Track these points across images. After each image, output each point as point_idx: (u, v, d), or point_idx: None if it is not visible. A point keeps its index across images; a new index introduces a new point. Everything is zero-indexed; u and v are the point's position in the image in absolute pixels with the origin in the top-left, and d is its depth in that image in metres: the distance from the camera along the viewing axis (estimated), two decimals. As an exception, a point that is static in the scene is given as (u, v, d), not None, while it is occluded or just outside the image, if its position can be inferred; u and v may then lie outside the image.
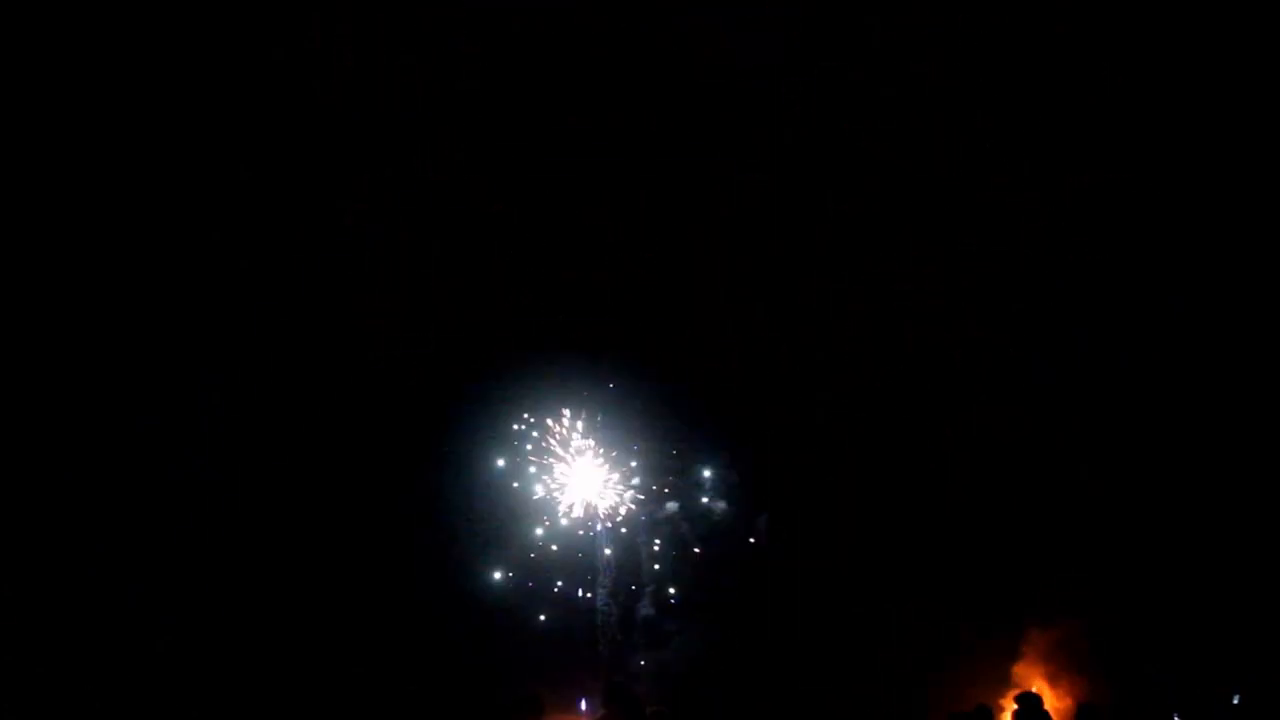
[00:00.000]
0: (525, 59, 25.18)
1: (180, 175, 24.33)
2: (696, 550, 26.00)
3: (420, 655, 24.21)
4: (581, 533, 26.02)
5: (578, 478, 26.10)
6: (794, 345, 25.61)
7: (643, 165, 25.38)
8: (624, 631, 25.79)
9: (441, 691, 23.79)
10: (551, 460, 26.03)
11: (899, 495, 25.09)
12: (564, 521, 25.91)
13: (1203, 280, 23.78)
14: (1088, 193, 24.19)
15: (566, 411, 26.16)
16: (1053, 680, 23.42)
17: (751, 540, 26.01)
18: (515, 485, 26.00)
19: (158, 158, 24.21)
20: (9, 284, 23.35)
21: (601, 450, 26.10)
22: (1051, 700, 22.99)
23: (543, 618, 25.63)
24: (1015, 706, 22.12)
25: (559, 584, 25.75)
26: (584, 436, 26.18)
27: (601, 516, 25.94)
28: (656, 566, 26.01)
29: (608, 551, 25.92)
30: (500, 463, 26.01)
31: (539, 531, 25.81)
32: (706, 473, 26.21)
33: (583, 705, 24.68)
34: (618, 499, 26.02)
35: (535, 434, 26.16)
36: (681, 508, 26.04)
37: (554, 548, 25.82)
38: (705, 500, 26.07)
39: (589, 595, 25.87)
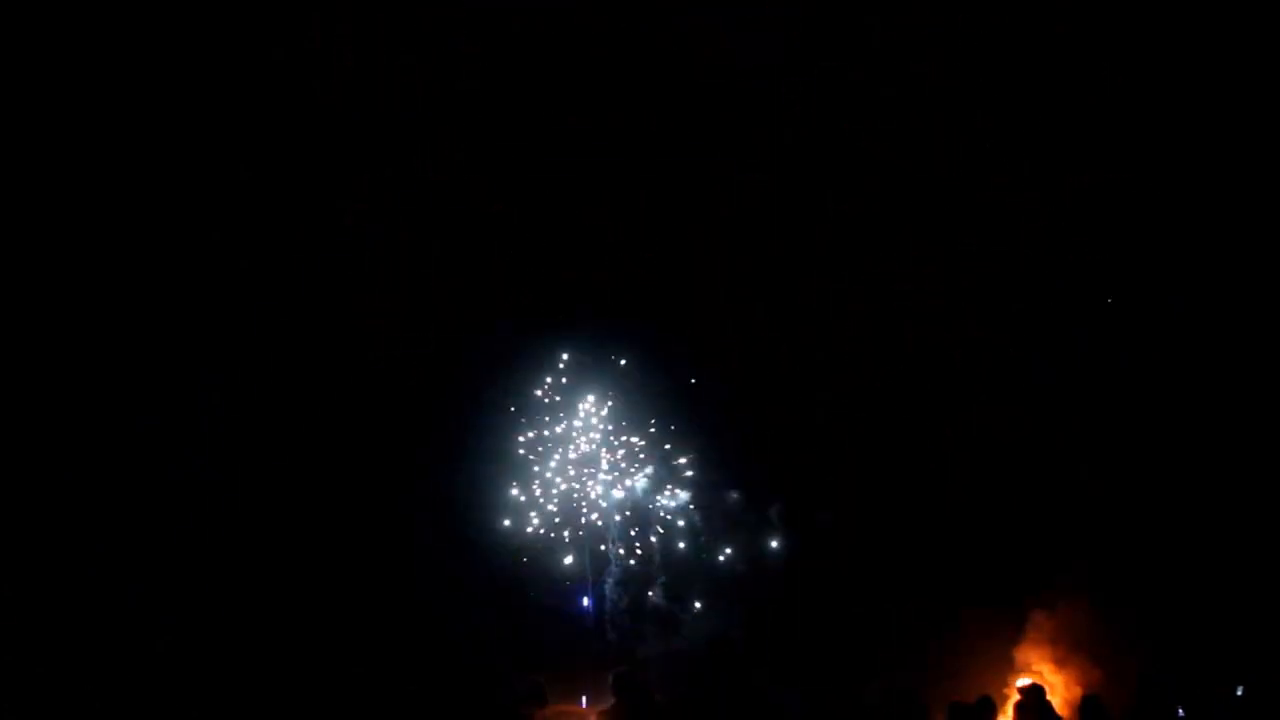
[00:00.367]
0: (525, 59, 25.19)
1: (180, 175, 24.32)
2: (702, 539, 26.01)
3: (421, 653, 24.19)
4: (585, 520, 26.01)
5: (583, 469, 26.07)
6: (794, 345, 25.58)
7: (643, 165, 25.38)
8: (633, 619, 25.78)
9: (443, 685, 23.79)
10: (555, 455, 26.01)
11: (899, 495, 25.08)
12: (560, 511, 25.85)
13: (1203, 280, 23.78)
14: (1088, 193, 24.20)
15: (572, 404, 26.14)
16: (1054, 668, 23.45)
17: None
18: (516, 484, 25.95)
19: (158, 158, 24.20)
20: (9, 284, 23.36)
21: (607, 443, 26.07)
22: (1055, 690, 23.09)
23: (548, 606, 25.65)
24: (1018, 697, 22.22)
25: (565, 566, 25.75)
26: (588, 430, 26.15)
27: (605, 505, 25.92)
28: (660, 556, 26.02)
29: (608, 546, 25.92)
30: (501, 462, 25.95)
31: (537, 523, 25.80)
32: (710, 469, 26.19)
33: (584, 702, 24.69)
34: (624, 489, 26.01)
35: (536, 430, 26.11)
36: (691, 498, 26.07)
37: (553, 535, 25.78)
38: (711, 490, 26.04)
39: (596, 583, 25.88)
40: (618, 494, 26.06)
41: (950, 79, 24.36)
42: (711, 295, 25.74)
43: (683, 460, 26.17)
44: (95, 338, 23.76)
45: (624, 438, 26.21)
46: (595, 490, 26.17)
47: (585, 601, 25.82)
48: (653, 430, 26.19)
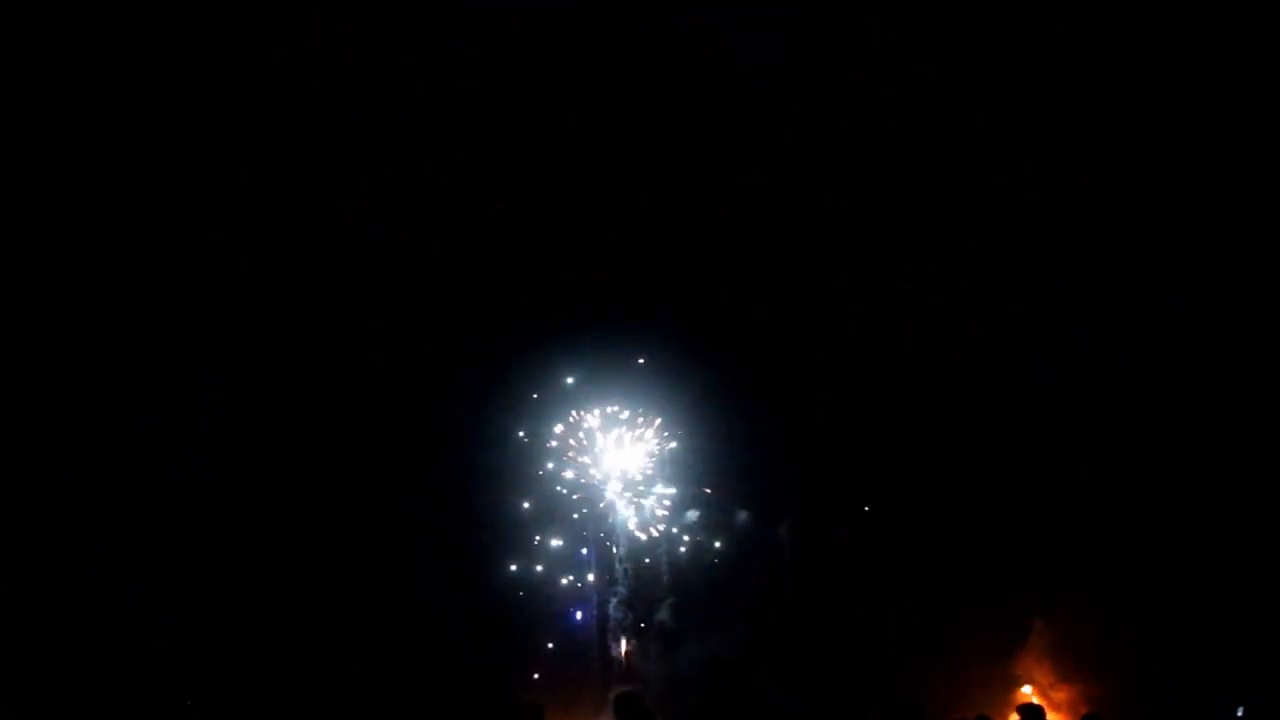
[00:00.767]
0: (525, 59, 25.17)
1: (180, 175, 24.33)
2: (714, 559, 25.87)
3: (421, 655, 24.18)
4: (585, 534, 25.92)
5: (590, 480, 25.96)
6: (794, 345, 25.56)
7: (643, 165, 25.35)
8: (639, 637, 25.63)
9: (442, 692, 23.79)
10: (560, 460, 25.92)
11: (899, 495, 25.07)
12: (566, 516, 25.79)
13: (1203, 280, 23.78)
14: (1088, 193, 24.20)
15: (574, 412, 26.04)
16: (1054, 679, 23.45)
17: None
18: (518, 487, 25.86)
19: (158, 158, 24.21)
20: (9, 284, 23.36)
21: (610, 450, 25.98)
22: (1056, 708, 23.10)
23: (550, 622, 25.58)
24: (1017, 717, 22.19)
25: (568, 583, 25.65)
26: (591, 436, 26.08)
27: (611, 519, 25.81)
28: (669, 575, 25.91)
29: (616, 564, 25.79)
30: (503, 463, 25.86)
31: (540, 538, 25.68)
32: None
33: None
34: (630, 504, 25.90)
35: (539, 434, 26.03)
36: (699, 515, 25.91)
37: (556, 543, 25.70)
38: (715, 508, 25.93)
39: (601, 601, 25.73)
40: (628, 513, 25.87)
41: (950, 79, 24.36)
42: (711, 295, 25.70)
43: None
44: (95, 338, 23.77)
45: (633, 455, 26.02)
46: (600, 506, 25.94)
47: (579, 615, 25.65)
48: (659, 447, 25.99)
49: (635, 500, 25.90)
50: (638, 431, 26.17)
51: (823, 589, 24.99)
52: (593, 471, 26.02)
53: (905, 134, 24.75)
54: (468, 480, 25.38)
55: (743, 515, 25.77)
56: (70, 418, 23.38)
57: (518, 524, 25.70)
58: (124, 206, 23.99)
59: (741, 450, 25.91)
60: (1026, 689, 23.50)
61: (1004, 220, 24.52)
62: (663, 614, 25.67)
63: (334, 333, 25.12)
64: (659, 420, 26.11)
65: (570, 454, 25.91)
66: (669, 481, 26.03)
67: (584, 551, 25.84)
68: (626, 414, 26.18)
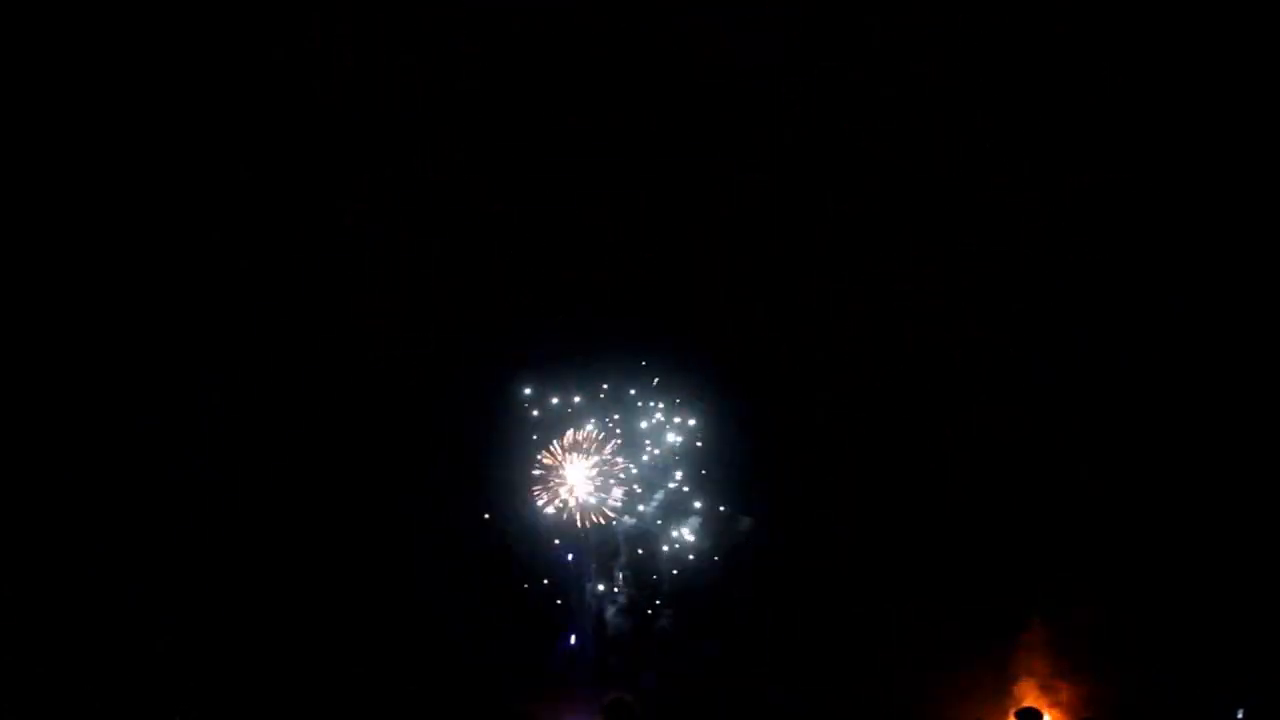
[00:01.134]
0: (525, 59, 25.17)
1: (180, 175, 24.34)
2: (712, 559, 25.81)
3: (419, 656, 24.19)
4: (580, 537, 25.86)
5: (581, 482, 25.87)
6: (794, 345, 25.54)
7: (643, 165, 25.34)
8: (636, 645, 25.55)
9: (440, 692, 23.81)
10: (555, 462, 25.85)
11: (899, 495, 25.05)
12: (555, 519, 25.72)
13: (1203, 280, 23.78)
14: (1088, 193, 24.19)
15: (570, 412, 26.00)
16: (1053, 680, 23.45)
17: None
18: (519, 490, 25.79)
19: (158, 158, 24.23)
20: (9, 284, 23.38)
21: (606, 453, 25.93)
22: (1052, 703, 23.11)
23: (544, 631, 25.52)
24: (1015, 721, 22.22)
25: (557, 586, 25.62)
26: (589, 439, 26.02)
27: (600, 521, 25.75)
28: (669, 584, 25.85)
29: (614, 573, 25.72)
30: (503, 464, 25.82)
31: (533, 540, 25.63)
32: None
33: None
34: (620, 505, 25.84)
35: (537, 435, 25.98)
36: (698, 517, 25.84)
37: (557, 543, 25.65)
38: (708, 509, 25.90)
39: (599, 610, 25.66)
40: (628, 520, 25.80)
41: (950, 79, 24.35)
42: (711, 295, 25.67)
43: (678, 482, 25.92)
44: (96, 338, 23.80)
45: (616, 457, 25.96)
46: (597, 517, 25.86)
47: (572, 639, 25.54)
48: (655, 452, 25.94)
49: (632, 504, 25.81)
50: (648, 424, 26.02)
51: (822, 589, 24.94)
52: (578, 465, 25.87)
53: (905, 134, 24.75)
54: (468, 483, 25.38)
55: (740, 515, 25.69)
56: (70, 418, 23.41)
57: (517, 527, 25.62)
58: (123, 206, 24.02)
59: (739, 450, 25.90)
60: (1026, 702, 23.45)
61: (1004, 220, 24.52)
62: (662, 620, 25.60)
63: (334, 333, 25.12)
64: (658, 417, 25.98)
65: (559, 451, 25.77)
66: (666, 483, 25.95)
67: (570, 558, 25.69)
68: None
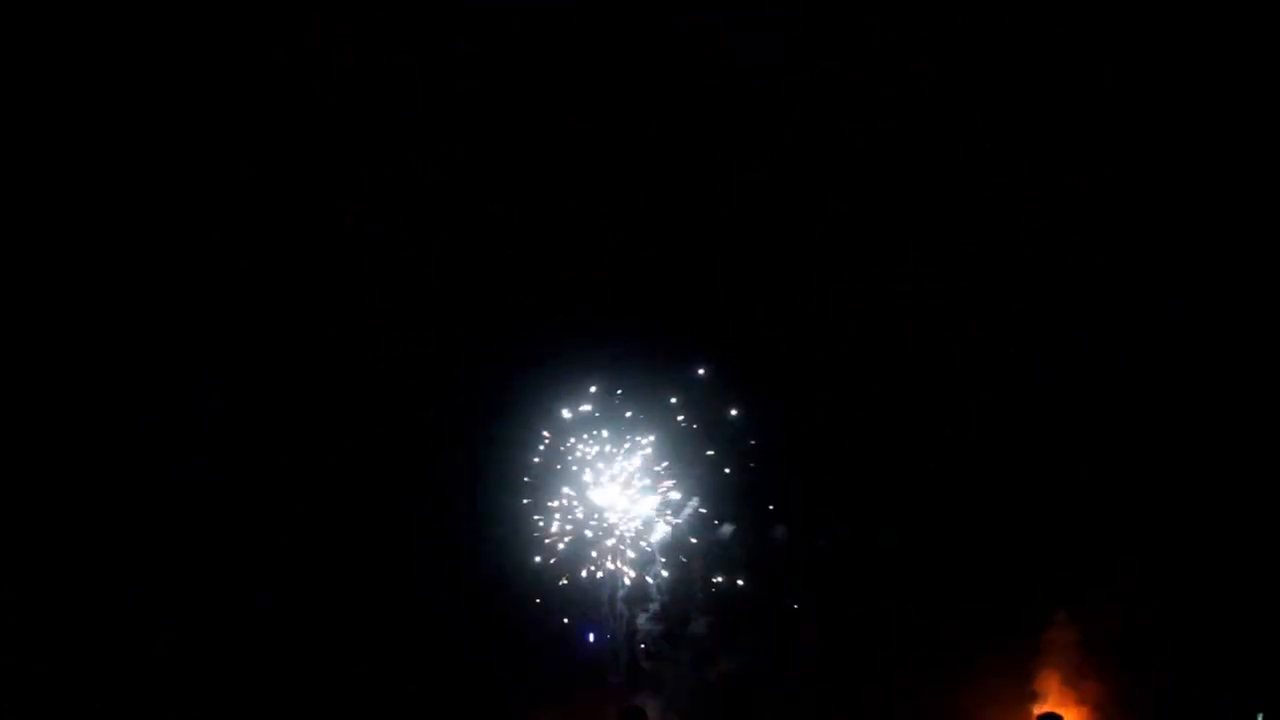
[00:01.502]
0: (525, 59, 25.19)
1: (180, 175, 24.36)
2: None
3: (422, 657, 24.19)
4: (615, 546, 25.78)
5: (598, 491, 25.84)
6: (794, 345, 25.55)
7: (643, 165, 25.35)
8: (669, 650, 25.46)
9: (447, 704, 23.83)
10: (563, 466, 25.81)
11: (899, 495, 25.05)
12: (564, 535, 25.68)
13: (1203, 280, 23.80)
14: (1088, 193, 24.21)
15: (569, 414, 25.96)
16: (1073, 685, 23.46)
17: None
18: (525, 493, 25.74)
19: (158, 158, 24.25)
20: (10, 284, 23.41)
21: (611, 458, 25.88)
22: (1073, 707, 23.14)
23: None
24: (1037, 727, 22.19)
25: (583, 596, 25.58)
26: (592, 439, 25.96)
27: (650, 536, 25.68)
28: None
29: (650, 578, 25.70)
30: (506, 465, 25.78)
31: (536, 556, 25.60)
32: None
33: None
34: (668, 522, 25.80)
35: (544, 435, 25.92)
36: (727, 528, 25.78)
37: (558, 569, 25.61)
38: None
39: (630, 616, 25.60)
40: (663, 528, 25.74)
41: (950, 79, 24.37)
42: (711, 295, 25.69)
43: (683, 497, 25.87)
44: (96, 338, 23.81)
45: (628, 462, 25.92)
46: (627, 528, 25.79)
47: (590, 636, 25.45)
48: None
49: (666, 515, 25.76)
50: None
51: (843, 595, 24.91)
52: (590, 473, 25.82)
53: (905, 134, 24.77)
54: (474, 482, 25.35)
55: (746, 526, 25.66)
56: (70, 418, 23.42)
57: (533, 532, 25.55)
58: (123, 206, 24.04)
59: (743, 454, 25.93)
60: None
61: (1004, 220, 24.54)
62: (694, 627, 25.47)
63: (334, 332, 25.14)
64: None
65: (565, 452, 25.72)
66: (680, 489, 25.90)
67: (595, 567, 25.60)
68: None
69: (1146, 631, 22.97)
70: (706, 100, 25.28)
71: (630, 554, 25.40)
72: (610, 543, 25.28)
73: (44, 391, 23.39)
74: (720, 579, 25.38)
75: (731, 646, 24.99)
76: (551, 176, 25.46)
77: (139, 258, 24.17)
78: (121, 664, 22.67)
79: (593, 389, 25.41)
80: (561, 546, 25.21)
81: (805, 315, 25.58)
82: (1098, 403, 24.36)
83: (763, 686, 24.60)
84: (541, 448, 25.41)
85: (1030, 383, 24.68)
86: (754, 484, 25.70)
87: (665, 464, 25.55)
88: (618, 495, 25.50)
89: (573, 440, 25.55)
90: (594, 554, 25.25)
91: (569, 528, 25.36)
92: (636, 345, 25.69)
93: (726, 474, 25.64)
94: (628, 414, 25.57)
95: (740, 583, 25.29)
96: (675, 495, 25.56)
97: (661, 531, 25.51)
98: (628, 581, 25.34)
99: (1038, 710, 23.17)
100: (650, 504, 25.50)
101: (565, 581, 25.17)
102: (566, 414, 25.45)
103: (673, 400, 25.62)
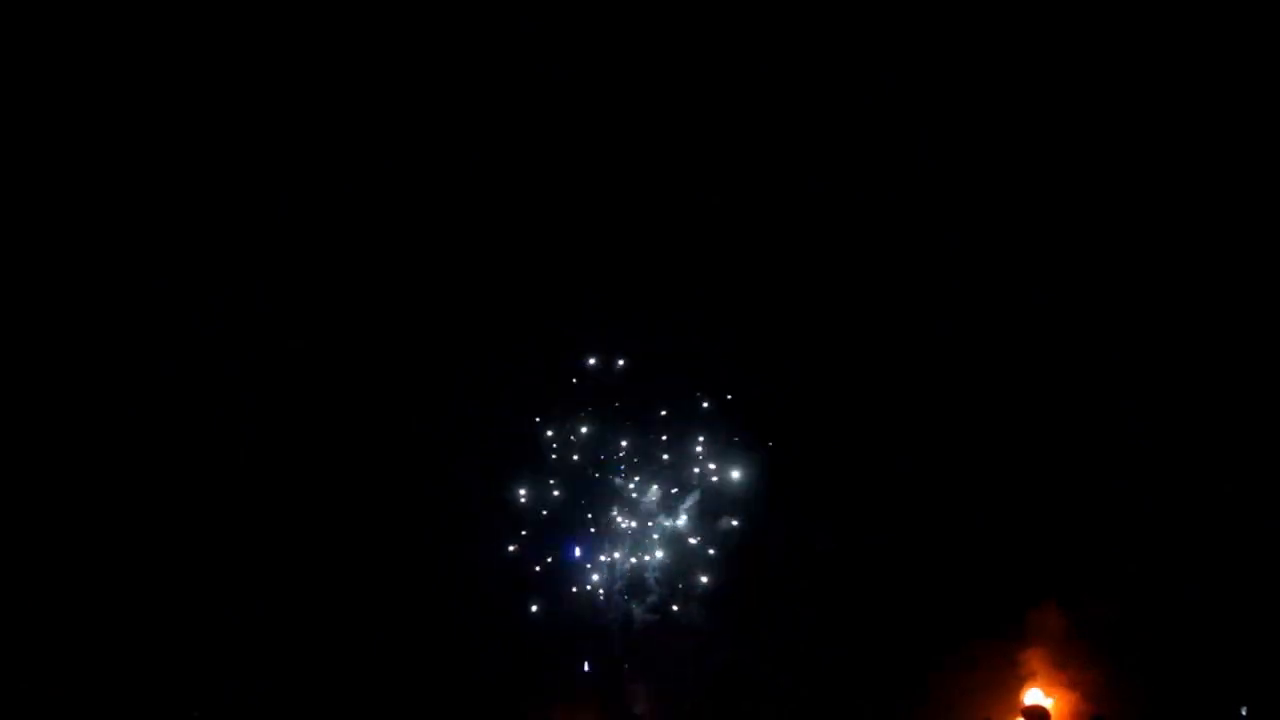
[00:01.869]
0: (527, 58, 25.23)
1: (179, 175, 24.47)
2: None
3: (424, 659, 24.26)
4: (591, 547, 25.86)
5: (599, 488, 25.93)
6: (795, 345, 25.58)
7: (642, 165, 25.37)
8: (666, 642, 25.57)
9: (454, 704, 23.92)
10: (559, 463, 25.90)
11: (898, 495, 25.07)
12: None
13: (1203, 280, 23.80)
14: (1088, 193, 24.22)
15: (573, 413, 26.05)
16: (1060, 680, 23.52)
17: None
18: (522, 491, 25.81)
19: (157, 157, 24.37)
20: (11, 284, 23.52)
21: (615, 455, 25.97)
22: (1059, 701, 23.20)
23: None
24: (1023, 720, 22.26)
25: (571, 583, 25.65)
26: (592, 438, 26.02)
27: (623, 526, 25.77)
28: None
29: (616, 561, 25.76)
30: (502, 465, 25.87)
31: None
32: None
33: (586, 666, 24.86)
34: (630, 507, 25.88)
35: (545, 434, 26.00)
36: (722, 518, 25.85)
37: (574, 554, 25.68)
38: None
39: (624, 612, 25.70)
40: (667, 523, 25.84)
41: (950, 79, 24.39)
42: (711, 295, 25.71)
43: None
44: (97, 338, 23.94)
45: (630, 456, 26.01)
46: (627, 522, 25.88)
47: (585, 666, 25.45)
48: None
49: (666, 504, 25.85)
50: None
51: (830, 588, 24.98)
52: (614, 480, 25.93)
53: (904, 134, 24.78)
54: (479, 481, 25.43)
55: (742, 518, 25.74)
56: (70, 418, 23.53)
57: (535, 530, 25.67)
58: (123, 206, 24.15)
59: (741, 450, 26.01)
60: (1032, 698, 23.51)
61: (1004, 220, 24.57)
62: (693, 613, 25.58)
63: (334, 332, 25.22)
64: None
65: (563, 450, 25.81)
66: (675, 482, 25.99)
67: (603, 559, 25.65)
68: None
69: (1136, 619, 23.02)
70: (706, 99, 25.32)
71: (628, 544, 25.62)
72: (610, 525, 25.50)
73: (45, 391, 23.53)
74: (711, 570, 25.56)
75: (725, 636, 25.16)
76: (551, 176, 25.51)
77: (139, 258, 24.36)
78: (121, 664, 22.78)
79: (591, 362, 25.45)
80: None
81: (807, 315, 25.61)
82: (1097, 401, 24.39)
83: (754, 673, 24.70)
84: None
85: (1034, 385, 24.74)
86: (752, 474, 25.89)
87: (666, 457, 25.76)
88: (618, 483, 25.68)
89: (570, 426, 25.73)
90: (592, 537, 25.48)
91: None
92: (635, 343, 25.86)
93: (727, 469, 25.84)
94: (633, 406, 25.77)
95: (732, 572, 25.48)
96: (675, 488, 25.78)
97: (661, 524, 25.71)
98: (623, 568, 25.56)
99: (1027, 689, 23.35)
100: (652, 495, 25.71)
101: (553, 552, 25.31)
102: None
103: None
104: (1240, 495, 23.19)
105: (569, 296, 25.62)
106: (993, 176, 24.59)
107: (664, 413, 25.91)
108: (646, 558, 25.65)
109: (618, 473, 25.75)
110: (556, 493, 25.64)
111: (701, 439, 25.84)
